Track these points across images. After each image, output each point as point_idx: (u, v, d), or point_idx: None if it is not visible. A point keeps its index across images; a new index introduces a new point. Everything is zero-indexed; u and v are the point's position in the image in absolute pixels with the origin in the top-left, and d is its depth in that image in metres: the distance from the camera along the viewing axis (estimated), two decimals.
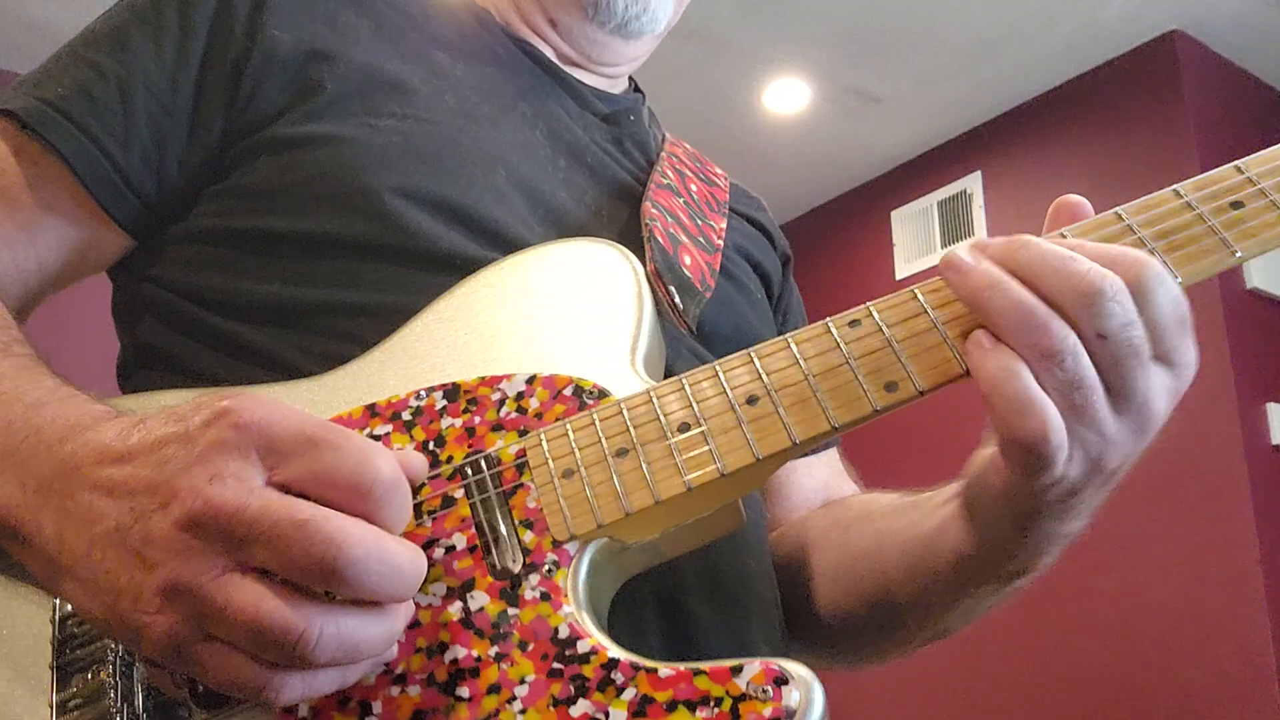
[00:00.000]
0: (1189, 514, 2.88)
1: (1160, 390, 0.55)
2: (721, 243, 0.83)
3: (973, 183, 3.69)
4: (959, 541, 0.65)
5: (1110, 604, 3.01)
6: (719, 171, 0.96)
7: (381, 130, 0.72)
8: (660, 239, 0.74)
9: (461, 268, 0.68)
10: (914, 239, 3.84)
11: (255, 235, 0.71)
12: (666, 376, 0.68)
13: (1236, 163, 0.60)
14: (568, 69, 0.88)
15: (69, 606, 0.58)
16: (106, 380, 0.75)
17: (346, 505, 0.48)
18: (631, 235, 0.76)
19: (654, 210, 0.77)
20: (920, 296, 0.59)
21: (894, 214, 3.92)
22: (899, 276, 3.84)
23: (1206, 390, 2.91)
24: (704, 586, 0.68)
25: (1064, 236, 0.59)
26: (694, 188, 0.88)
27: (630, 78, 0.97)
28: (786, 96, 3.55)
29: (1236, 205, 0.58)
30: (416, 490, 0.58)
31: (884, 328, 0.58)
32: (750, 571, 0.74)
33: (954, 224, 3.72)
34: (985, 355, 0.54)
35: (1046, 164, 3.49)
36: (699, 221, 0.83)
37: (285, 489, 0.49)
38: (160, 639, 0.48)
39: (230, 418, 0.49)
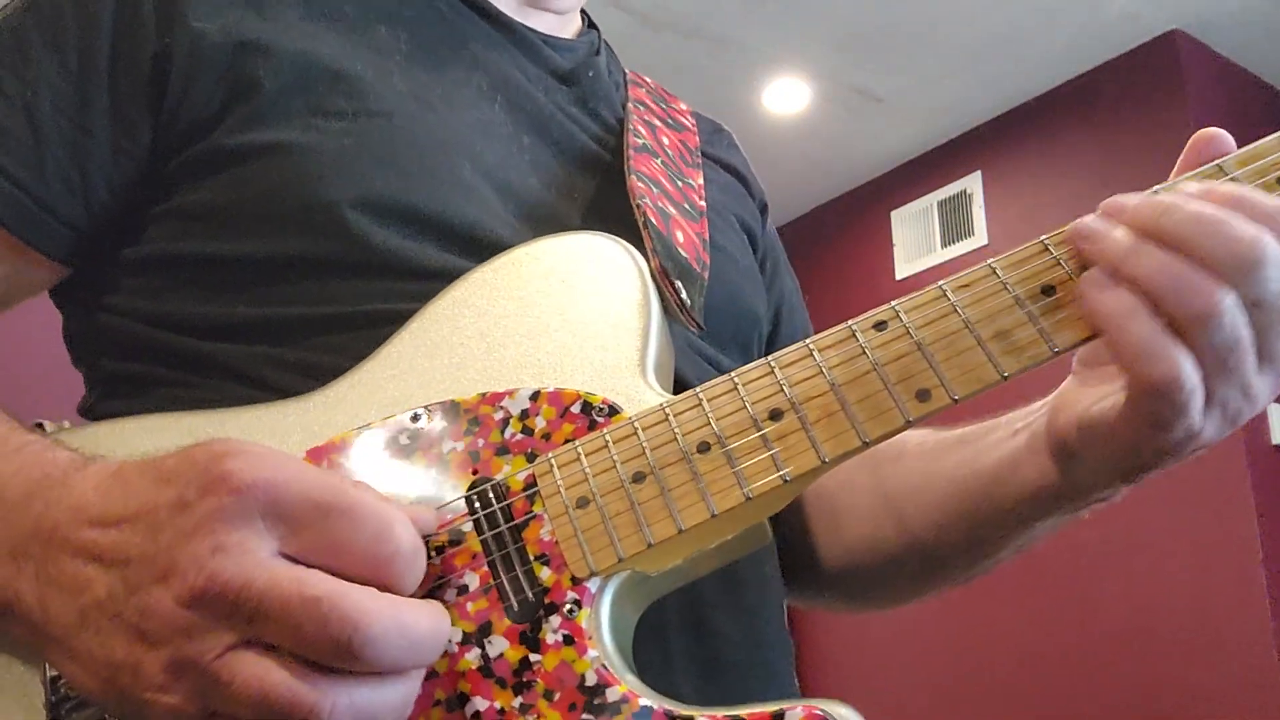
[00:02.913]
0: (1190, 514, 2.87)
1: None
2: (704, 203, 0.78)
3: (973, 183, 3.66)
4: (1035, 477, 0.62)
5: (1112, 604, 3.00)
6: (683, 108, 0.90)
7: (331, 132, 0.66)
8: (654, 220, 0.69)
9: (439, 278, 0.63)
10: (914, 239, 3.81)
11: (214, 261, 0.66)
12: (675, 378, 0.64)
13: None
14: (516, 14, 0.81)
15: None
16: (61, 388, 0.70)
17: (363, 576, 0.45)
18: (611, 214, 0.71)
19: (640, 184, 0.72)
20: (949, 294, 0.54)
21: (894, 214, 3.89)
22: (899, 277, 3.81)
23: None
24: (726, 600, 0.65)
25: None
26: (666, 140, 0.82)
27: (583, 11, 0.90)
28: (786, 96, 3.51)
29: None
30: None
31: (912, 330, 0.54)
32: (768, 578, 0.71)
33: (954, 224, 3.69)
34: (1103, 293, 0.51)
35: (1047, 164, 3.47)
36: (679, 183, 0.77)
37: (295, 560, 0.45)
38: (164, 717, 0.45)
39: (231, 482, 0.45)
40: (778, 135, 3.68)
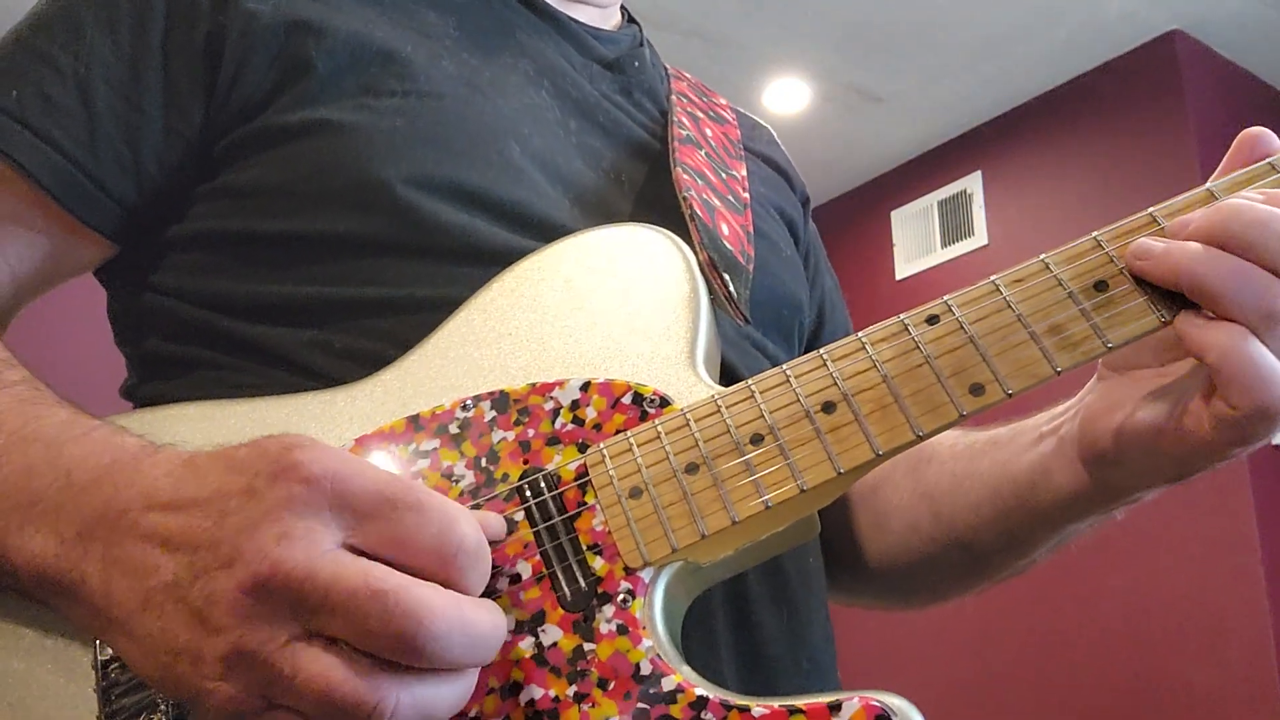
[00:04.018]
0: (1191, 513, 2.88)
1: None
2: (748, 196, 0.78)
3: (973, 183, 3.67)
4: (1069, 482, 0.62)
5: (1113, 603, 3.01)
6: (723, 102, 0.90)
7: (382, 112, 0.66)
8: (700, 213, 0.69)
9: (490, 257, 0.63)
10: (914, 239, 3.82)
11: (262, 238, 0.66)
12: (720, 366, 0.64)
13: None
14: (561, 6, 0.82)
15: (109, 651, 0.54)
16: (105, 375, 0.70)
17: (427, 571, 0.45)
18: (659, 202, 0.71)
19: (685, 176, 0.72)
20: (1002, 288, 0.54)
21: (894, 214, 3.90)
22: (899, 277, 3.82)
23: None
24: (770, 592, 0.66)
25: (1153, 220, 0.55)
26: (709, 132, 0.82)
27: (623, 7, 0.91)
28: (786, 96, 3.52)
29: None
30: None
31: (965, 324, 0.54)
32: (810, 570, 0.71)
33: (954, 224, 3.70)
34: (1207, 329, 0.50)
35: (1047, 164, 3.48)
36: (723, 174, 0.78)
37: (359, 552, 0.45)
38: (223, 706, 0.44)
39: (301, 471, 0.45)
40: (778, 135, 3.69)
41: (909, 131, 3.73)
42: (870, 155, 3.89)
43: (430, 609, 0.43)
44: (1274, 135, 0.58)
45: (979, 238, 3.61)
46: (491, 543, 0.50)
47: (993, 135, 3.64)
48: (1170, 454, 0.55)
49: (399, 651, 0.43)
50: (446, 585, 0.46)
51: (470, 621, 0.45)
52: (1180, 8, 3.11)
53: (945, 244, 3.70)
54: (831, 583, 0.76)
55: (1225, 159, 0.58)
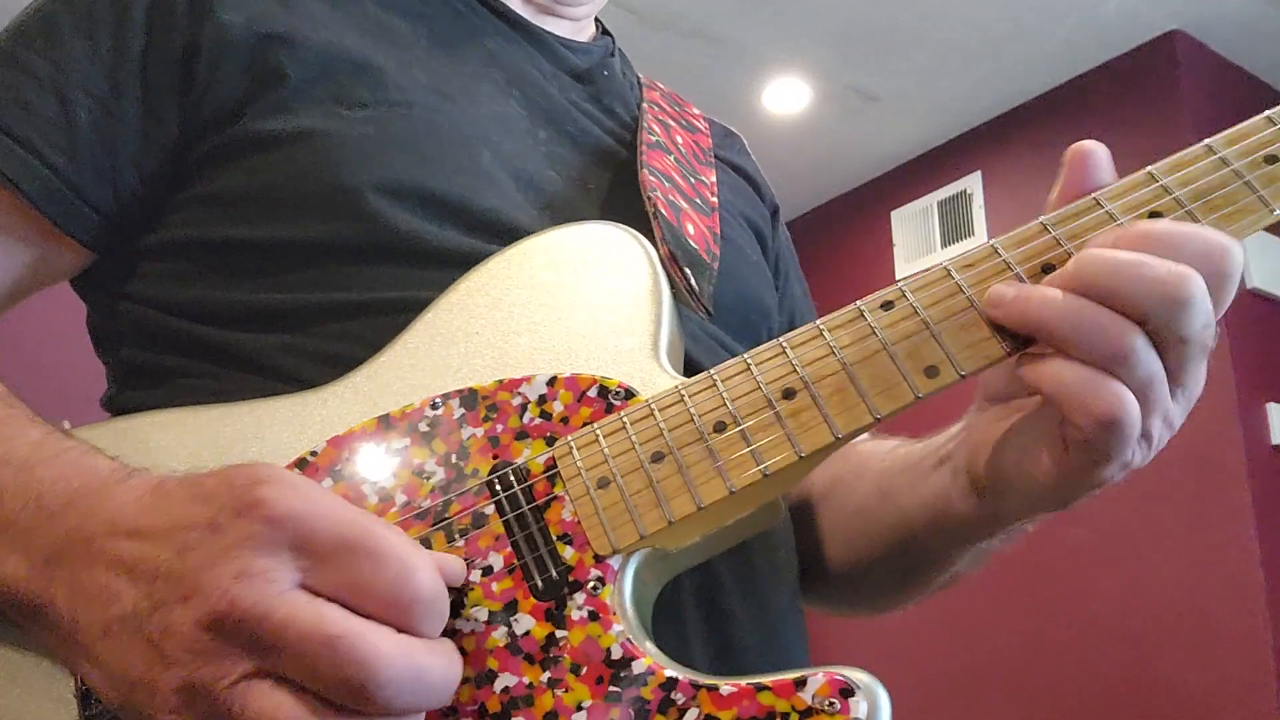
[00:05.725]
0: (1189, 514, 2.87)
1: (1205, 368, 0.54)
2: (716, 200, 0.80)
3: (973, 183, 3.67)
4: (968, 509, 0.64)
5: (1110, 603, 3.00)
6: (696, 112, 0.92)
7: (354, 120, 0.67)
8: (664, 211, 0.70)
9: (459, 262, 0.64)
10: (914, 239, 3.83)
11: (235, 245, 0.67)
12: (685, 362, 0.66)
13: (1268, 113, 0.57)
14: (533, 18, 0.83)
15: None
16: (91, 387, 0.71)
17: (381, 617, 0.46)
18: (627, 206, 0.72)
19: (651, 178, 0.73)
20: (954, 274, 0.56)
21: (894, 214, 3.90)
22: (899, 277, 3.81)
23: (1207, 390, 2.87)
24: (739, 583, 0.67)
25: (1097, 204, 0.56)
26: (680, 139, 0.83)
27: (596, 18, 0.92)
28: (786, 96, 3.53)
29: (1271, 160, 0.55)
30: (444, 513, 0.56)
31: (919, 309, 0.55)
32: (780, 562, 0.72)
33: (954, 224, 3.70)
34: (1041, 363, 0.52)
35: (1046, 164, 3.48)
36: (691, 179, 0.79)
37: (317, 594, 0.46)
38: None
39: (263, 510, 0.46)
40: (778, 135, 3.70)
41: (909, 132, 3.74)
42: (870, 155, 3.89)
43: (380, 656, 0.44)
44: (1103, 150, 0.60)
45: (979, 238, 3.61)
46: (451, 585, 0.51)
47: (992, 135, 3.64)
48: (1041, 483, 0.56)
49: (348, 697, 0.44)
50: (402, 631, 0.46)
51: (423, 668, 0.46)
52: (1180, 8, 3.11)
53: (945, 244, 3.71)
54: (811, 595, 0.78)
55: (1060, 179, 0.59)
